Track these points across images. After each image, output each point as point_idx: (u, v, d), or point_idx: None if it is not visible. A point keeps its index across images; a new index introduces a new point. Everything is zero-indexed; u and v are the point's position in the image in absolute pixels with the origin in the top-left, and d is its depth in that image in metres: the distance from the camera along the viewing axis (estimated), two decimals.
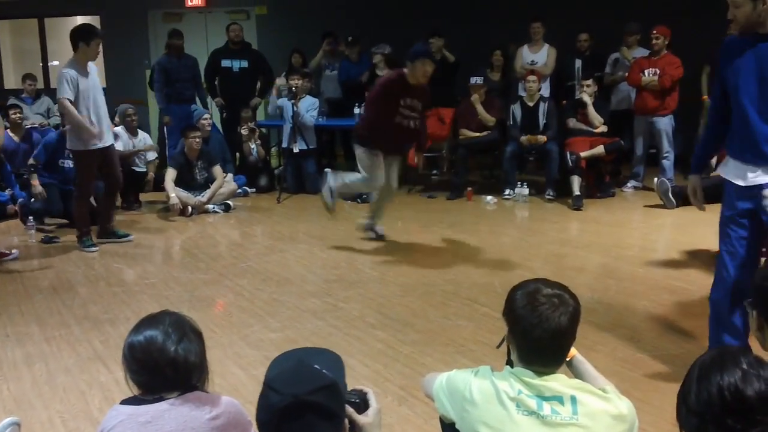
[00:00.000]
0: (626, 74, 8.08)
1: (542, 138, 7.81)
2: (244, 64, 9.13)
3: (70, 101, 5.81)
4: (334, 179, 6.09)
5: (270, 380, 1.60)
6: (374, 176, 5.85)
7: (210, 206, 7.57)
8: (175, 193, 7.35)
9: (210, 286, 5.23)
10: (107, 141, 6.15)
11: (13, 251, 5.94)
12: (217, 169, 7.69)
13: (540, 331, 1.81)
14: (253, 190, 8.62)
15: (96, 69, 6.17)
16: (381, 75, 8.95)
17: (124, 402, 1.93)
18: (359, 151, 5.88)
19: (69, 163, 6.79)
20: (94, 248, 6.20)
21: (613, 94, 8.61)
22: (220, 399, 1.95)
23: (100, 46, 6.00)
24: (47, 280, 5.43)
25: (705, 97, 8.42)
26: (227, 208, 7.61)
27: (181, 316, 2.03)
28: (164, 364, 1.89)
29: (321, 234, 6.62)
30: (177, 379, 1.91)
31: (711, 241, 5.98)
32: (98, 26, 12.43)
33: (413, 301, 4.79)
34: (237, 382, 3.62)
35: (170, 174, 7.52)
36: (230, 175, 8.03)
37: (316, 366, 1.61)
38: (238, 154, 9.04)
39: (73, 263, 5.85)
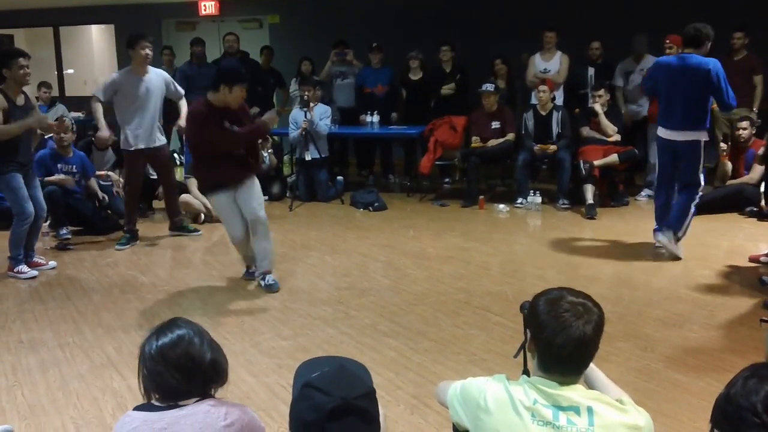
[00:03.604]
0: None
1: (553, 147, 7.79)
2: None
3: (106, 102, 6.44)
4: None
5: (313, 381, 1.64)
6: (230, 224, 5.25)
7: None
8: (205, 201, 7.43)
9: (222, 293, 5.24)
10: (155, 143, 6.56)
11: (50, 262, 5.95)
12: None
13: (563, 338, 1.79)
14: (266, 198, 8.52)
15: (158, 74, 6.61)
16: (414, 79, 9.04)
17: (138, 408, 1.93)
18: (210, 200, 5.45)
19: (63, 176, 6.84)
20: (123, 247, 6.52)
21: (628, 102, 8.58)
22: (234, 406, 1.95)
23: (146, 50, 6.37)
24: (61, 286, 5.46)
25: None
26: None
27: (195, 323, 2.05)
28: (205, 366, 1.91)
29: (333, 242, 6.62)
30: (211, 381, 1.93)
31: (726, 251, 5.97)
32: (113, 35, 12.61)
33: (425, 309, 4.78)
34: (249, 389, 3.62)
35: (194, 184, 7.49)
36: None
37: (356, 372, 1.67)
38: None
39: (87, 270, 5.88)
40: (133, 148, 6.48)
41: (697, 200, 5.76)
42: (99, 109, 6.49)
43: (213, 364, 1.94)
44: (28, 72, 5.48)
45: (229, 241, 5.44)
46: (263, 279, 5.28)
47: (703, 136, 5.64)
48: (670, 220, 5.83)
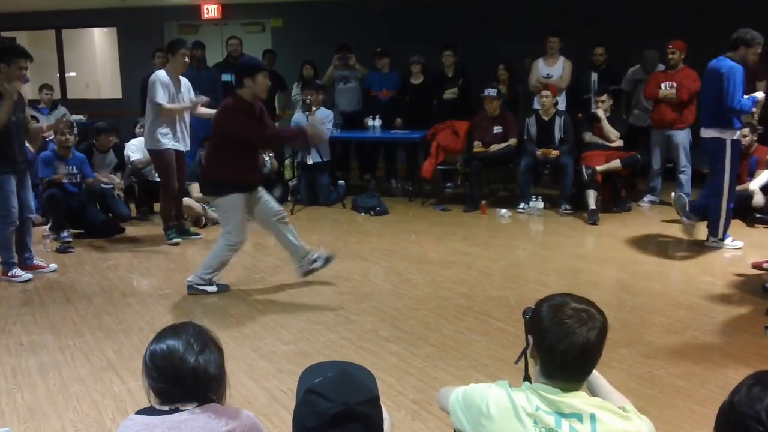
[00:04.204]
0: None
1: (555, 152, 7.78)
2: None
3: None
4: (196, 276, 5.24)
5: (316, 387, 1.63)
6: (244, 228, 5.15)
7: None
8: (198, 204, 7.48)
9: (223, 297, 5.22)
10: (180, 146, 6.65)
11: (51, 265, 5.93)
12: None
13: (566, 345, 1.77)
14: None
15: (186, 81, 6.76)
16: (416, 83, 9.05)
17: (140, 412, 1.92)
18: (221, 201, 5.12)
19: (64, 178, 6.84)
20: (176, 240, 6.67)
21: (632, 108, 8.59)
22: (236, 412, 1.95)
23: (186, 57, 6.60)
24: (61, 289, 5.45)
25: None
26: None
27: (204, 328, 2.04)
28: (184, 374, 1.90)
29: (334, 246, 6.59)
30: (196, 390, 1.91)
31: (729, 257, 5.96)
32: (115, 38, 12.63)
33: (426, 314, 4.76)
34: (249, 394, 3.61)
35: (195, 188, 7.49)
36: None
37: (359, 378, 1.65)
38: None
39: (88, 273, 5.87)
40: (166, 147, 6.53)
41: (722, 202, 6.00)
42: (179, 108, 6.50)
43: (194, 373, 1.91)
44: (24, 74, 5.47)
45: (235, 249, 5.22)
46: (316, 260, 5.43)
47: (725, 135, 5.87)
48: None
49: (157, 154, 6.64)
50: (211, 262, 5.23)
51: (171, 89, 6.48)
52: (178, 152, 6.65)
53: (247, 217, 5.23)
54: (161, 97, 6.41)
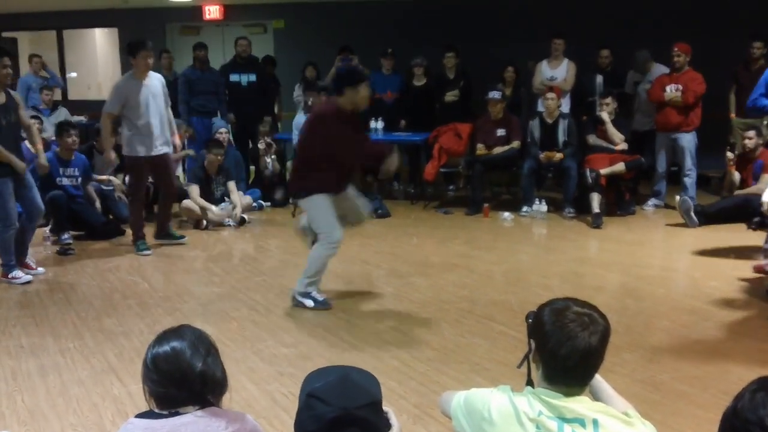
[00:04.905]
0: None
1: (558, 155, 7.76)
2: (252, 78, 9.17)
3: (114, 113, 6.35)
4: (298, 284, 5.03)
5: (316, 391, 1.64)
6: (334, 228, 4.85)
7: (225, 220, 7.56)
8: (205, 204, 7.44)
9: (224, 299, 5.21)
10: (158, 150, 6.41)
11: (39, 269, 5.89)
12: (232, 185, 7.69)
13: (568, 349, 1.77)
14: (268, 203, 8.62)
15: (158, 78, 6.53)
16: (418, 85, 9.04)
17: (139, 416, 1.91)
18: (305, 204, 4.94)
19: (66, 181, 6.82)
20: (147, 251, 6.47)
21: (636, 112, 8.58)
22: (236, 415, 1.94)
23: (148, 59, 6.32)
24: (62, 291, 5.43)
25: (733, 115, 8.34)
26: (242, 222, 7.60)
27: (201, 330, 2.02)
28: (193, 378, 1.88)
29: None
30: (202, 393, 1.91)
31: (733, 262, 5.93)
32: (116, 39, 12.65)
33: (428, 317, 4.74)
34: (249, 396, 3.59)
35: (195, 191, 7.48)
36: (240, 193, 7.97)
37: (360, 382, 1.67)
38: (253, 167, 9.12)
39: (88, 275, 5.85)
40: (137, 155, 6.35)
41: None
42: (108, 129, 6.46)
43: (202, 377, 1.90)
44: (10, 72, 5.41)
45: (333, 248, 4.88)
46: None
47: None
48: None
49: (129, 161, 6.52)
50: (309, 266, 4.94)
51: (130, 95, 6.25)
52: (159, 156, 6.44)
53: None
54: (108, 104, 6.32)
